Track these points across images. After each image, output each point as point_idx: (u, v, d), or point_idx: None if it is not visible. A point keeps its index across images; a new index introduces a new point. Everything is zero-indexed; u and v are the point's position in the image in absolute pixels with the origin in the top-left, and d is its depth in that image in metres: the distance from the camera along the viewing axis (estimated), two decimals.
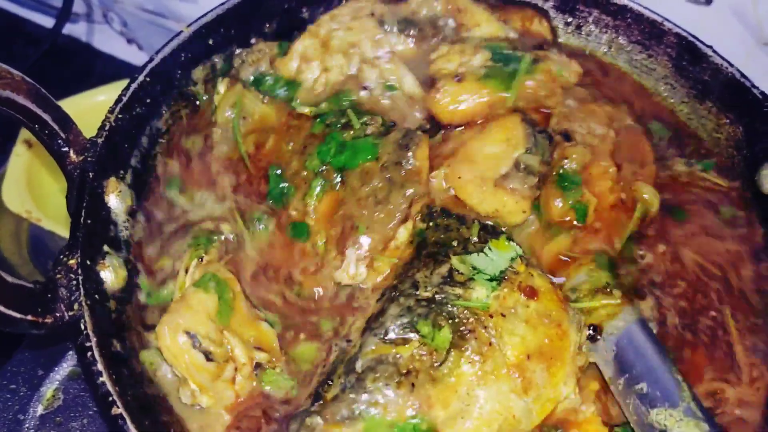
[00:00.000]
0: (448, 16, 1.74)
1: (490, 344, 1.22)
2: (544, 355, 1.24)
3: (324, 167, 1.41)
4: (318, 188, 1.41)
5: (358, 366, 1.21)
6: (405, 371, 1.19)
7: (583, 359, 1.31)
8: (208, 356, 1.23)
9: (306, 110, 1.53)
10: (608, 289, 1.35)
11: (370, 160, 1.40)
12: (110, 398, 1.16)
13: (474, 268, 1.28)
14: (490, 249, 1.30)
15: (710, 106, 1.70)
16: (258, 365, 1.29)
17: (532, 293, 1.26)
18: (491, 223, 1.39)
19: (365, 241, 1.37)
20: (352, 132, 1.44)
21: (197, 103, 1.62)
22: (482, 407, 1.20)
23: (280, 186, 1.44)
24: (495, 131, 1.50)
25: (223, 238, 1.42)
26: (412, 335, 1.21)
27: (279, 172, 1.46)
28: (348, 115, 1.46)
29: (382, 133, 1.44)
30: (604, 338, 1.31)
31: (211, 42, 1.61)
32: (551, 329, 1.26)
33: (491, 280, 1.26)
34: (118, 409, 1.15)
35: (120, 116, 1.42)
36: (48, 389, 1.60)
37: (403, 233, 1.38)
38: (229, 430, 1.26)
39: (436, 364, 1.19)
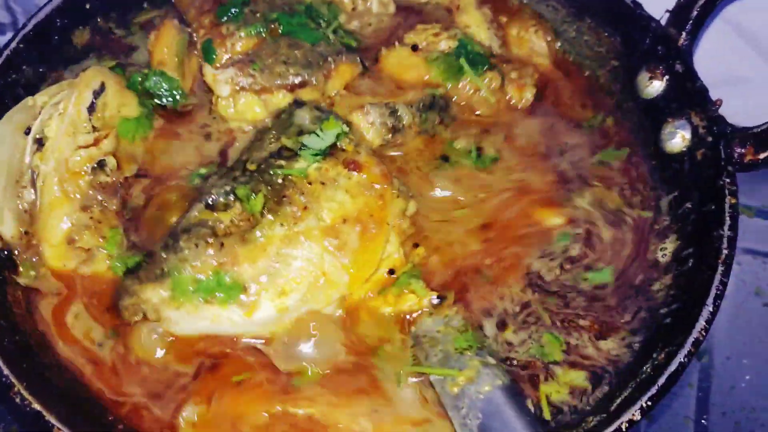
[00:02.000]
0: (447, 7, 1.79)
1: (305, 209, 1.26)
2: (361, 221, 1.28)
3: (271, 25, 1.56)
4: (257, 29, 1.55)
5: (178, 229, 1.28)
6: (220, 234, 1.25)
7: (406, 224, 1.36)
8: None
9: None
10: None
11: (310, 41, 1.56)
12: None
13: (302, 145, 1.33)
14: (321, 129, 1.35)
15: (590, 22, 1.74)
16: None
17: (356, 167, 1.31)
18: (324, 106, 1.47)
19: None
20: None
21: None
22: (290, 265, 1.23)
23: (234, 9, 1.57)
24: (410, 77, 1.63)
25: None
26: (232, 200, 1.28)
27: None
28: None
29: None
30: (465, 400, 1.19)
31: (88, 6, 1.64)
32: (372, 199, 1.29)
33: (316, 155, 1.31)
34: None
35: None
36: None
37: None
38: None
39: (251, 229, 1.25)
